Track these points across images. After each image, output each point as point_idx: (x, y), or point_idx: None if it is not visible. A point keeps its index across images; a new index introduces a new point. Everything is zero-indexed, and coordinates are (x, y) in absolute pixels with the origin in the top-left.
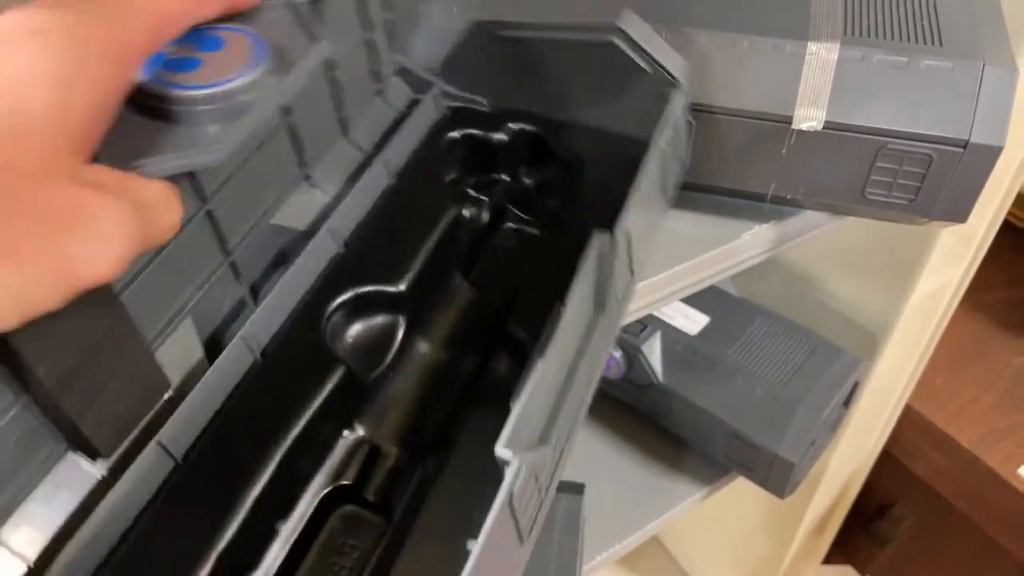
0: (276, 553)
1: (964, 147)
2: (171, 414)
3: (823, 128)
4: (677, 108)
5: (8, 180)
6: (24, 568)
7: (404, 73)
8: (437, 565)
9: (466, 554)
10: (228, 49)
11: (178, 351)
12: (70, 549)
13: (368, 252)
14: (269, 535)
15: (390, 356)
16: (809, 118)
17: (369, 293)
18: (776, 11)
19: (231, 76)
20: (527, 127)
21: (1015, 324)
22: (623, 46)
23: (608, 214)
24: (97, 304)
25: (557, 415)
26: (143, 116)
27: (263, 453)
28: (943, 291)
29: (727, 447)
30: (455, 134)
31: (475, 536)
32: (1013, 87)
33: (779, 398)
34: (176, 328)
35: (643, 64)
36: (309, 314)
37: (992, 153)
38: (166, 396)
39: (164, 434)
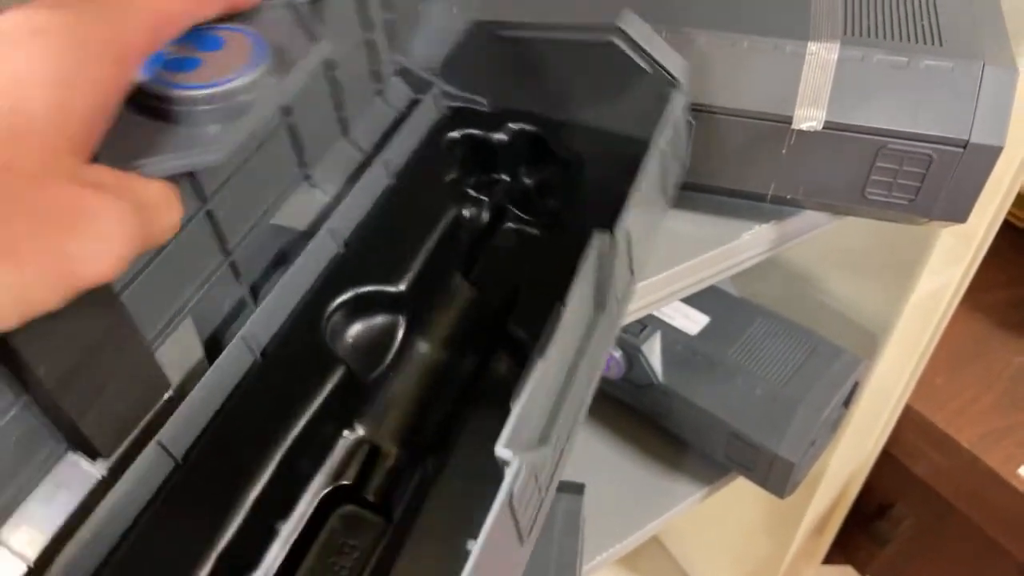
0: (276, 553)
1: (964, 147)
2: (171, 414)
3: (823, 128)
4: (677, 108)
5: (8, 180)
6: (24, 568)
7: (404, 73)
8: (437, 565)
9: (466, 554)
10: (228, 49)
11: (178, 351)
12: (70, 549)
13: (368, 252)
14: (269, 535)
15: (390, 356)
16: (809, 118)
17: (369, 293)
18: (776, 11)
19: (231, 76)
20: (527, 127)
21: (1015, 324)
22: (623, 46)
23: (608, 214)
24: (97, 304)
25: (557, 415)
26: (143, 116)
27: (263, 453)
28: (943, 291)
29: (727, 447)
30: (455, 134)
31: (475, 536)
32: (1013, 87)
33: (779, 398)
34: (176, 328)
35: (643, 64)
36: (309, 314)
37: (992, 153)
38: (166, 396)
39: (164, 434)
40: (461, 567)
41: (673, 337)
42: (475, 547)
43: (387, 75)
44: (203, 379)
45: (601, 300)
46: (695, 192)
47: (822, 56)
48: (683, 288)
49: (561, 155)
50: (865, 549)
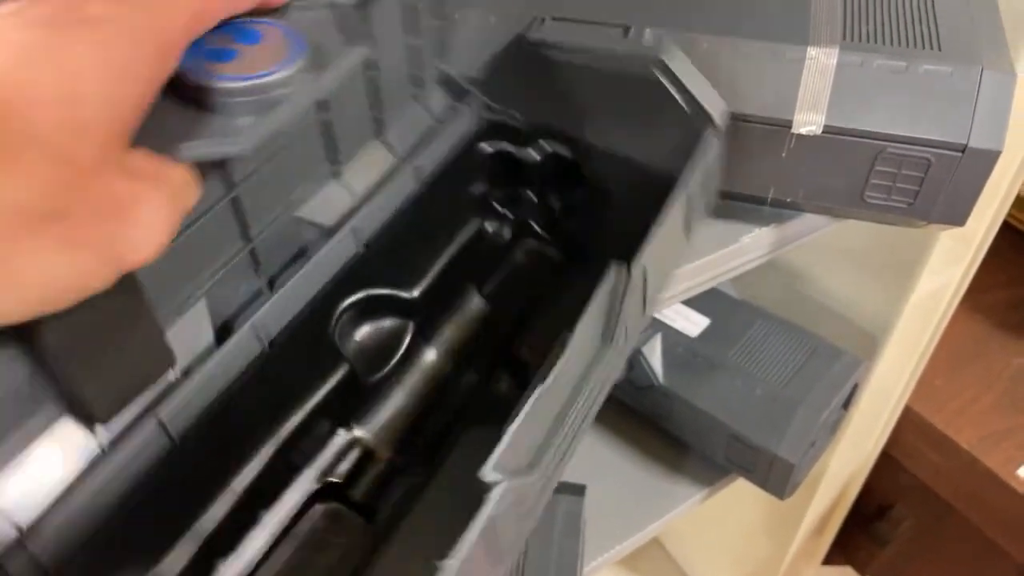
0: (256, 540)
1: (963, 151)
2: (173, 393)
3: (822, 132)
4: (710, 151)
5: (71, 173)
6: (15, 533)
7: (443, 80)
8: None
9: (440, 570)
10: (265, 43)
11: (188, 333)
12: (58, 518)
13: (386, 255)
14: (252, 522)
15: (394, 361)
16: (808, 122)
17: (382, 296)
18: (776, 16)
19: (268, 70)
20: (560, 149)
21: (1015, 325)
22: (662, 78)
23: (628, 244)
24: None
25: (549, 444)
26: (178, 102)
27: (257, 441)
28: (943, 292)
29: (727, 448)
30: (487, 147)
31: (450, 555)
32: (1011, 91)
33: (779, 399)
34: (190, 309)
35: (680, 100)
36: (320, 310)
37: (990, 157)
38: (171, 375)
39: (162, 411)
40: None
41: (674, 339)
42: (448, 568)
43: (426, 81)
44: (208, 362)
45: (609, 333)
46: None
47: (821, 61)
48: (684, 290)
49: (590, 179)
50: (865, 550)
